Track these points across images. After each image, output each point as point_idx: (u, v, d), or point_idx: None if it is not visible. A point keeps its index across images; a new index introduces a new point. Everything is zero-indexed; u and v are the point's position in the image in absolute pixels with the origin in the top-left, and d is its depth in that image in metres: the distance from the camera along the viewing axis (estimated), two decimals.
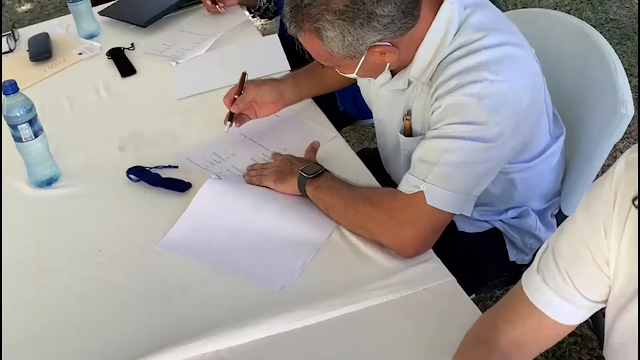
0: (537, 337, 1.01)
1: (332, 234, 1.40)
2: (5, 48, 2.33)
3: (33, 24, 4.63)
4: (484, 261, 1.61)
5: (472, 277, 1.58)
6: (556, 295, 0.96)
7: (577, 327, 1.01)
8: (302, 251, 1.37)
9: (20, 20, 4.64)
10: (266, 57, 2.06)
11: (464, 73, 1.29)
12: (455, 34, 1.33)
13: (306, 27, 1.29)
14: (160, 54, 2.17)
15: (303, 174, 1.45)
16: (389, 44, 1.31)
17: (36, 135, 1.62)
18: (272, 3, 2.41)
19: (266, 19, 2.53)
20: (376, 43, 1.30)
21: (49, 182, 1.68)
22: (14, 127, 1.60)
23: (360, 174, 1.57)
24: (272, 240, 1.41)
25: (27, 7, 4.86)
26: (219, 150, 1.70)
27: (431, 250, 1.33)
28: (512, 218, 1.58)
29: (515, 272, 1.63)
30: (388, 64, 1.37)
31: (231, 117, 1.67)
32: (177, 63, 2.10)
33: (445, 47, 1.33)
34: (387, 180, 1.68)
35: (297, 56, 2.37)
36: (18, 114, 1.59)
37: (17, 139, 1.62)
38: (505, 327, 1.01)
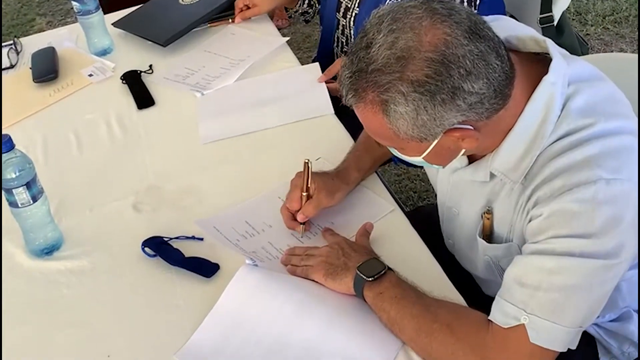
0: None
1: (397, 356, 1.13)
2: (5, 62, 2.04)
3: (42, 6, 4.48)
4: None
5: None
6: None
7: None
8: None
9: (29, 2, 4.33)
10: (307, 94, 1.75)
11: (571, 171, 1.01)
12: (557, 121, 1.05)
13: (370, 97, 1.00)
14: (183, 80, 1.87)
15: (361, 274, 1.17)
16: (471, 127, 1.02)
17: (35, 200, 1.35)
18: (313, 7, 2.13)
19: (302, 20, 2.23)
20: (456, 125, 1.01)
21: (49, 251, 1.41)
22: (8, 190, 1.32)
23: (426, 262, 1.29)
24: None
25: None
26: (252, 218, 1.42)
27: None
28: (610, 321, 1.30)
29: None
30: (463, 151, 1.08)
31: (303, 222, 1.37)
32: (202, 94, 1.80)
33: (544, 138, 1.05)
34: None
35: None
36: (13, 176, 1.31)
37: (12, 204, 1.34)
38: None
